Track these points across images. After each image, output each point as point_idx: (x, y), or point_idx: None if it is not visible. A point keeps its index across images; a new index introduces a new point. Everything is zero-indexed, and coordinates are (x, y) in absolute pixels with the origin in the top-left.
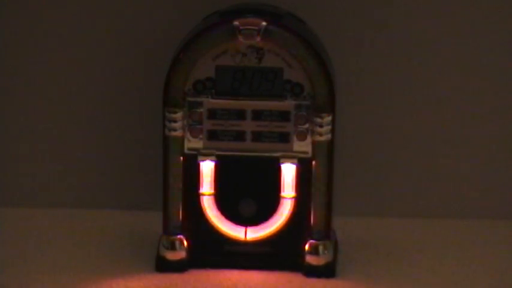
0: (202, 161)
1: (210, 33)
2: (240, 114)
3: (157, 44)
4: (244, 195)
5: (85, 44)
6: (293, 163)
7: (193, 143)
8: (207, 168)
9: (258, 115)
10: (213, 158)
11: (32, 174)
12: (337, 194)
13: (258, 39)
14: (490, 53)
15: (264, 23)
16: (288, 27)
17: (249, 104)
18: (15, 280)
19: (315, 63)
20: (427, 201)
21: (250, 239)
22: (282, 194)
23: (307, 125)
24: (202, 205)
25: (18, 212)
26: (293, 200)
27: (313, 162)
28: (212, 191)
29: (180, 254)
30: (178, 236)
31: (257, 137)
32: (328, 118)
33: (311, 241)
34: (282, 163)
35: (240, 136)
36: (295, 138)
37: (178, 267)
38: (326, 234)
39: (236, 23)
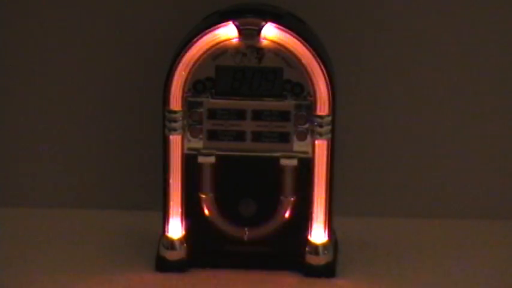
0: (202, 161)
1: (210, 33)
2: (240, 114)
3: (157, 44)
4: (244, 195)
5: (85, 44)
6: (293, 163)
7: (193, 143)
8: (207, 168)
9: (258, 115)
10: (213, 158)
11: (32, 174)
12: (337, 194)
13: (258, 39)
14: (490, 53)
15: (264, 23)
16: (288, 27)
17: (249, 104)
18: (15, 280)
19: (315, 63)
20: (427, 201)
21: (250, 239)
22: (282, 194)
23: (307, 125)
24: (202, 205)
25: (18, 212)
26: (293, 200)
27: (313, 162)
28: (212, 191)
29: (180, 254)
30: (178, 236)
31: (257, 137)
32: (328, 118)
33: (311, 241)
34: (282, 163)
35: (240, 136)
36: (295, 138)
37: (178, 267)
38: (326, 234)
39: (236, 23)
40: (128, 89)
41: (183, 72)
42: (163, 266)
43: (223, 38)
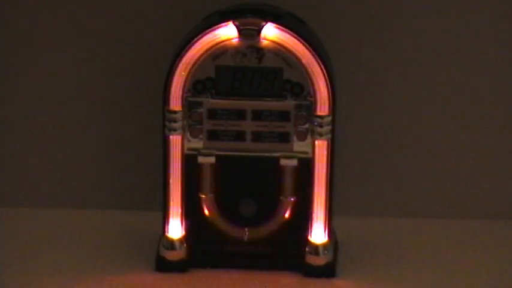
0: (202, 161)
1: (210, 33)
2: (240, 114)
3: (157, 44)
4: (244, 195)
5: (85, 44)
6: (293, 163)
7: (193, 143)
8: (207, 168)
9: (258, 115)
10: (213, 158)
11: (32, 174)
12: (337, 194)
13: (258, 39)
14: (490, 53)
15: (264, 23)
16: (288, 27)
17: (249, 104)
18: (15, 280)
19: (315, 63)
20: (427, 201)
21: (250, 239)
22: (282, 194)
23: (307, 125)
24: (202, 205)
25: (18, 212)
26: (293, 200)
27: (313, 162)
28: (212, 191)
29: (180, 254)
30: (178, 236)
31: (257, 137)
32: (328, 118)
33: (311, 241)
34: (282, 163)
35: (240, 136)
36: (295, 138)
37: (178, 267)
38: (326, 234)
39: (236, 23)
40: (128, 89)
41: (183, 72)
42: (163, 266)
43: (223, 38)
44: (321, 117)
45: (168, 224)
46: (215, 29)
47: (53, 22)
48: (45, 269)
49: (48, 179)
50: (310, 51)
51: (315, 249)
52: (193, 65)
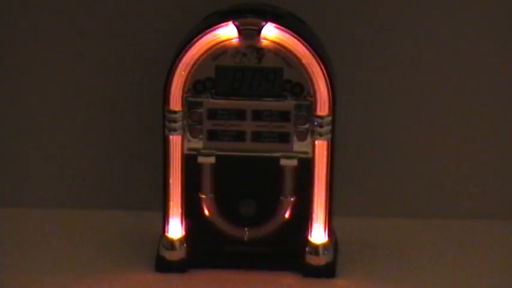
0: (202, 161)
1: (210, 33)
2: (240, 114)
3: (157, 44)
4: (244, 195)
5: (85, 44)
6: (293, 163)
7: (193, 143)
8: (207, 168)
9: (258, 115)
10: (213, 158)
11: (32, 174)
12: (337, 194)
13: (258, 39)
14: (490, 53)
15: (264, 23)
16: (288, 27)
17: (249, 104)
18: (15, 280)
19: (315, 63)
20: (427, 201)
21: (250, 239)
22: (282, 194)
23: (307, 125)
24: (202, 205)
25: (18, 212)
26: (293, 200)
27: (313, 162)
28: (212, 191)
29: (180, 254)
30: (178, 236)
31: (257, 137)
32: (328, 118)
33: (311, 241)
34: (282, 163)
35: (240, 136)
36: (295, 138)
37: (178, 267)
38: (326, 234)
39: (236, 23)
40: (128, 89)
41: (183, 72)
42: (163, 266)
43: (223, 38)
44: (321, 117)
45: (168, 224)
46: (215, 29)
47: (53, 22)
48: (45, 269)
49: (48, 179)
50: (310, 51)
51: (315, 249)
52: (193, 65)
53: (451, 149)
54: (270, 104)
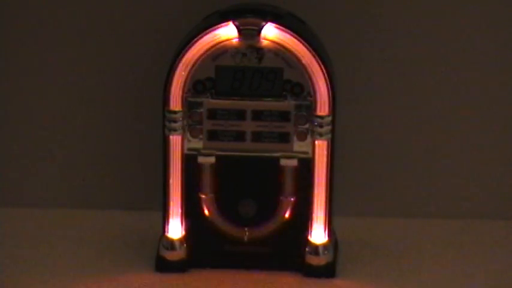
0: (202, 161)
1: (210, 33)
2: (240, 114)
3: (157, 44)
4: (244, 195)
5: (85, 44)
6: (293, 163)
7: (193, 143)
8: (207, 168)
9: (258, 115)
10: (213, 158)
11: (32, 174)
12: (337, 194)
13: (258, 39)
14: (490, 53)
15: (264, 23)
16: (288, 27)
17: (249, 104)
18: (15, 280)
19: (315, 63)
20: (427, 201)
21: (250, 239)
22: (282, 194)
23: (307, 125)
24: (202, 205)
25: (18, 212)
26: (293, 200)
27: (313, 162)
28: (212, 191)
29: (180, 254)
30: (178, 236)
31: (257, 137)
32: (328, 118)
33: (311, 241)
34: (282, 163)
35: (240, 136)
36: (295, 138)
37: (178, 267)
38: (326, 234)
39: (236, 23)
40: (128, 89)
41: (183, 72)
42: (163, 266)
43: (223, 38)
44: (321, 117)
45: (168, 224)
46: (215, 29)
47: (53, 22)
48: (45, 269)
49: (48, 179)
50: (310, 51)
51: (315, 249)
52: (193, 65)
53: (451, 149)
54: (270, 104)
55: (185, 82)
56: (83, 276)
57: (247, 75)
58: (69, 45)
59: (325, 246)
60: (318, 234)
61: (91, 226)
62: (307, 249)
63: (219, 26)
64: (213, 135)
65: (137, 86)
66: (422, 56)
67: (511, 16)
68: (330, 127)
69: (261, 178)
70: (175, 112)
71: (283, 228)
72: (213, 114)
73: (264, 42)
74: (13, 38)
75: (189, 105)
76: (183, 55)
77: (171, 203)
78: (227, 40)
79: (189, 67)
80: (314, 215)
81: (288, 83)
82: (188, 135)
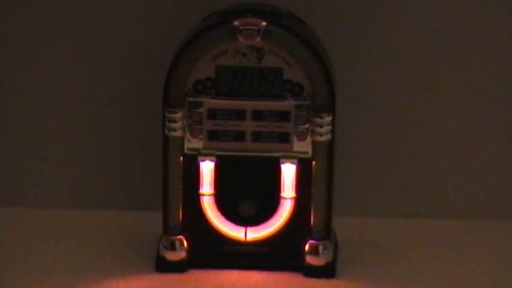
0: (202, 161)
1: (210, 33)
2: (240, 114)
3: (157, 44)
4: (244, 195)
5: (85, 44)
6: (293, 163)
7: (193, 143)
8: (207, 168)
9: (258, 115)
10: (213, 158)
11: (32, 174)
12: (337, 194)
13: (258, 39)
14: (490, 53)
15: (264, 23)
16: (288, 27)
17: (249, 104)
18: (15, 280)
19: (315, 63)
20: (427, 201)
21: (250, 239)
22: (282, 194)
23: (307, 125)
24: (202, 205)
25: (18, 212)
26: (293, 200)
27: (313, 162)
28: (212, 191)
29: (180, 254)
30: (178, 236)
31: (257, 137)
32: (328, 118)
33: (311, 241)
34: (282, 163)
35: (240, 136)
36: (295, 138)
37: (178, 267)
38: (326, 234)
39: (236, 23)
40: (128, 89)
41: (183, 72)
42: (163, 266)
43: (223, 38)
44: (321, 117)
45: (168, 224)
46: (215, 29)
47: (53, 22)
48: (45, 269)
49: (48, 179)
50: (310, 51)
51: (315, 249)
52: (193, 65)
53: (451, 149)
54: (270, 104)
55: (185, 82)
56: (83, 276)
57: (247, 75)
58: (69, 45)
59: (325, 246)
60: (318, 234)
61: (91, 226)
62: (307, 249)
63: (219, 26)
64: (213, 135)
65: (137, 86)
66: (422, 56)
67: (511, 16)
68: (330, 127)
69: (261, 178)
70: (175, 112)
71: (283, 228)
72: (213, 114)
73: (264, 42)
74: (13, 38)
75: (189, 105)
76: (183, 55)
77: (171, 203)
78: (227, 40)
79: (189, 67)
80: (314, 215)
81: (288, 83)
82: (188, 135)
